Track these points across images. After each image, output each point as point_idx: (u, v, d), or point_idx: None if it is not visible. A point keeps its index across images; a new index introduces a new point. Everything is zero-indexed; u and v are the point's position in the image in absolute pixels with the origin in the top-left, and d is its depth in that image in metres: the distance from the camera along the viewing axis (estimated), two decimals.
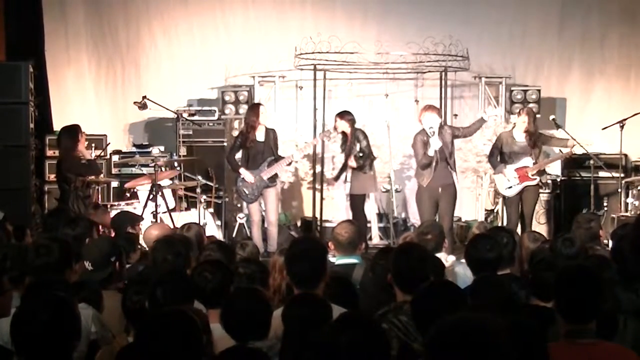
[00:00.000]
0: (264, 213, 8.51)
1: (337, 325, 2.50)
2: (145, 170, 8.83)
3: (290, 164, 8.71)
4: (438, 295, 3.13)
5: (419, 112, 7.91)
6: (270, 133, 8.31)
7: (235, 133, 9.73)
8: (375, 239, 9.22)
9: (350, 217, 8.45)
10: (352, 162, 8.60)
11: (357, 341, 2.39)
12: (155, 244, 4.50)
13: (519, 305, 3.63)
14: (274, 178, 8.35)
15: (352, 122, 8.67)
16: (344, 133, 8.72)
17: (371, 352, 2.42)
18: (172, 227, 7.27)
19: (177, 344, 2.51)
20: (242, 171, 8.21)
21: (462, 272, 4.64)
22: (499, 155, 8.20)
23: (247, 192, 8.26)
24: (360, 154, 8.55)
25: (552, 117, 9.03)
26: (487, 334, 2.04)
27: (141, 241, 5.63)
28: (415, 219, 9.47)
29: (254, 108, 8.39)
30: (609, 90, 10.48)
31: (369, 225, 9.10)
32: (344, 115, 8.72)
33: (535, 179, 8.09)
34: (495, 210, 9.94)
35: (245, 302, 3.16)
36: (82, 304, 3.51)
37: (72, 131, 7.80)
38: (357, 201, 8.77)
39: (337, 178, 9.03)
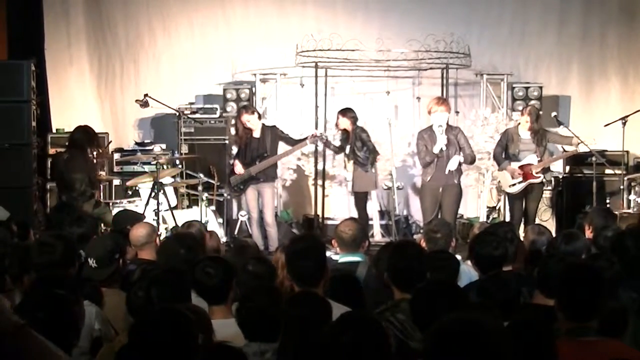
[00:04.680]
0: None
1: (339, 325, 2.49)
2: (147, 168, 8.83)
3: (303, 140, 8.51)
4: (437, 294, 3.13)
5: (429, 105, 7.87)
6: (267, 130, 8.34)
7: (233, 131, 9.76)
8: (377, 236, 9.22)
9: (352, 215, 8.49)
10: (348, 165, 8.66)
11: (359, 341, 2.39)
12: (165, 240, 4.52)
13: (523, 304, 3.63)
14: (269, 175, 8.35)
15: (354, 119, 8.70)
16: (345, 130, 8.75)
17: (373, 351, 2.41)
18: (174, 225, 7.31)
19: (169, 341, 2.50)
20: (235, 162, 8.33)
21: (466, 270, 4.64)
22: (504, 152, 8.18)
23: (232, 183, 8.34)
24: (359, 153, 8.57)
25: (553, 114, 9.02)
26: (486, 334, 2.04)
27: None
28: (417, 216, 9.48)
29: (239, 114, 8.47)
30: (609, 88, 10.48)
31: (370, 222, 9.11)
32: (346, 112, 8.74)
33: (540, 176, 8.08)
34: (497, 208, 9.94)
35: (264, 301, 3.16)
36: (86, 302, 3.51)
37: (91, 131, 7.86)
38: (359, 199, 8.79)
39: (327, 143, 8.94)
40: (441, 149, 7.61)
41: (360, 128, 8.71)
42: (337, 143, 8.97)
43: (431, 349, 2.06)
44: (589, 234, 5.43)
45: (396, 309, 3.37)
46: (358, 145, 8.66)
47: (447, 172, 7.62)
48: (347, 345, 2.39)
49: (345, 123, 8.70)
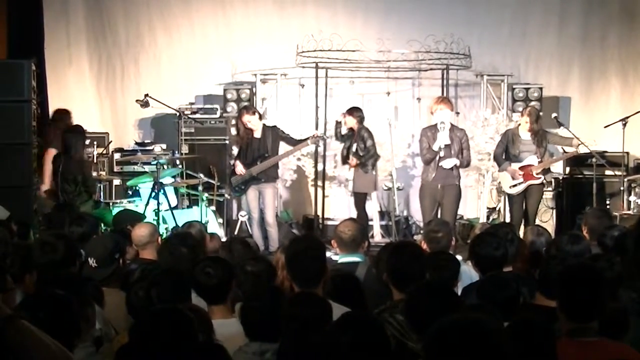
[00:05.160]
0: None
1: (339, 325, 2.49)
2: (147, 168, 8.83)
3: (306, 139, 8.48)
4: (431, 295, 3.13)
5: (432, 104, 7.91)
6: (268, 131, 8.33)
7: (234, 131, 9.76)
8: (377, 237, 9.23)
9: (351, 215, 8.49)
10: (352, 161, 8.64)
11: (359, 341, 2.39)
12: (168, 238, 4.54)
13: (524, 305, 3.62)
14: (270, 176, 8.34)
15: (360, 119, 8.73)
16: (351, 129, 8.76)
17: (373, 351, 2.41)
18: (174, 225, 7.31)
19: (170, 341, 2.50)
20: (236, 162, 8.31)
21: (467, 271, 4.65)
22: (504, 153, 8.18)
23: (233, 183, 8.34)
24: (362, 154, 8.58)
25: (553, 115, 9.02)
26: (487, 335, 2.04)
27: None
28: (417, 217, 9.49)
29: (240, 114, 8.45)
30: (609, 89, 10.48)
31: (370, 223, 9.11)
32: (353, 111, 8.77)
33: (540, 177, 8.08)
34: (497, 209, 9.93)
35: (269, 301, 3.17)
36: None
37: (81, 131, 7.86)
38: (358, 199, 8.80)
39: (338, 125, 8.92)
40: (440, 146, 7.63)
41: (365, 129, 8.72)
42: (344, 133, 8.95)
43: (431, 349, 2.06)
44: (585, 235, 5.42)
45: (395, 309, 3.37)
46: (361, 146, 8.66)
47: (440, 166, 7.64)
48: (347, 345, 2.39)
49: (352, 122, 8.72)
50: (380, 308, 3.50)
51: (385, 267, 3.82)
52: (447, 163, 7.70)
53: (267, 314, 3.13)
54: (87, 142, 8.33)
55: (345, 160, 8.90)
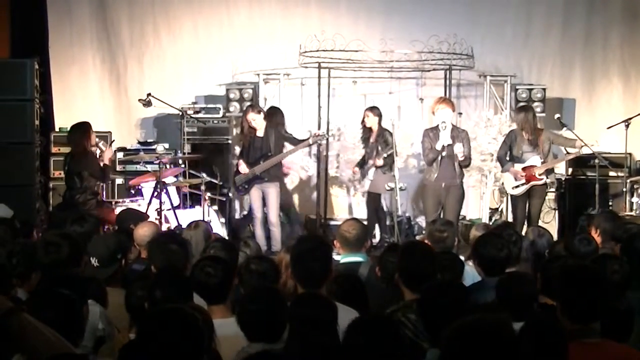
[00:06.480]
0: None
1: (354, 328, 2.49)
2: (149, 167, 8.83)
3: (308, 142, 8.50)
4: (445, 294, 3.13)
5: (433, 104, 7.92)
6: (270, 130, 8.33)
7: (237, 130, 9.76)
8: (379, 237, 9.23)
9: (354, 215, 8.50)
10: (379, 161, 8.62)
11: (375, 344, 2.39)
12: (158, 236, 4.53)
13: (540, 304, 3.62)
14: (273, 175, 8.34)
15: (380, 117, 8.73)
16: (370, 129, 8.76)
17: (389, 353, 2.41)
18: (176, 224, 7.32)
19: (178, 340, 2.50)
20: (240, 162, 8.32)
21: (469, 271, 4.65)
22: (508, 153, 8.17)
23: (237, 183, 8.34)
24: (386, 155, 8.56)
25: (557, 115, 9.01)
26: (506, 334, 2.05)
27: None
28: (420, 217, 9.48)
29: (245, 112, 8.45)
30: (611, 90, 10.48)
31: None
32: (374, 109, 8.80)
33: (542, 178, 8.07)
34: (499, 209, 9.92)
35: (265, 303, 3.16)
36: (90, 301, 3.51)
37: (85, 128, 7.83)
38: (371, 199, 8.82)
39: (360, 165, 9.00)
40: (443, 145, 7.63)
41: (387, 131, 8.70)
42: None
43: (450, 350, 2.07)
44: (596, 237, 5.41)
45: (407, 309, 3.37)
46: (381, 147, 8.65)
47: (442, 167, 7.61)
48: (363, 348, 2.40)
49: (374, 120, 8.72)
50: (392, 308, 3.50)
51: (396, 267, 3.81)
52: (457, 148, 7.62)
53: (264, 316, 3.12)
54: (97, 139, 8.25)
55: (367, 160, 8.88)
